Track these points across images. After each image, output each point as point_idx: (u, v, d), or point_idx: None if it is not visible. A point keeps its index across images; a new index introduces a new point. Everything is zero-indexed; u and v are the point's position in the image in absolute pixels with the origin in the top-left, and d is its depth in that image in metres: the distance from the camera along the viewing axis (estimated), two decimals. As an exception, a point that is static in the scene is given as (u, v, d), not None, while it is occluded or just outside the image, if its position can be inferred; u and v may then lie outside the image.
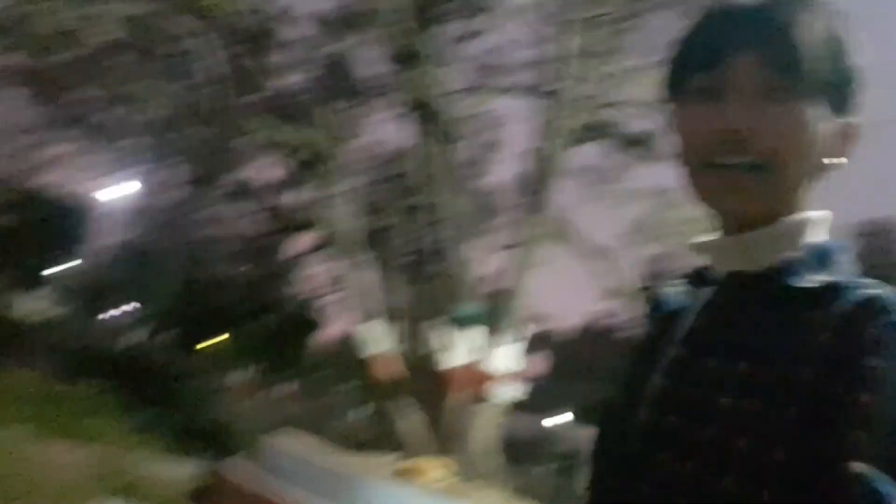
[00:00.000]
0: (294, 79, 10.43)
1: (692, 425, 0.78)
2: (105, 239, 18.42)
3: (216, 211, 22.19)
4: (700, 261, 0.94)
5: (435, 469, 6.58)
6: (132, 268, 17.18)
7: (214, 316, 17.29)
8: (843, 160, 0.88)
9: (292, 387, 17.29)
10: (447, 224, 9.95)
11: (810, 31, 0.81)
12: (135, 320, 17.94)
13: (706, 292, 0.89)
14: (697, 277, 0.93)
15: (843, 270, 0.83)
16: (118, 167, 19.53)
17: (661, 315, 0.95)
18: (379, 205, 11.35)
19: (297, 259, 22.95)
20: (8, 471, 5.58)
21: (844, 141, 0.86)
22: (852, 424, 0.69)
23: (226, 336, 16.92)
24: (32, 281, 16.46)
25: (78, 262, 17.62)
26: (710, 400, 0.77)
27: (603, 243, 10.93)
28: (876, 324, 0.73)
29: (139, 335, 16.86)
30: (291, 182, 15.63)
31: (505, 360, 9.01)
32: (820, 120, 0.82)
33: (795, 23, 0.81)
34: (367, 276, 10.19)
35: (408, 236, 14.86)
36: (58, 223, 16.00)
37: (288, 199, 16.80)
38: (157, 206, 20.49)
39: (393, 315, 11.05)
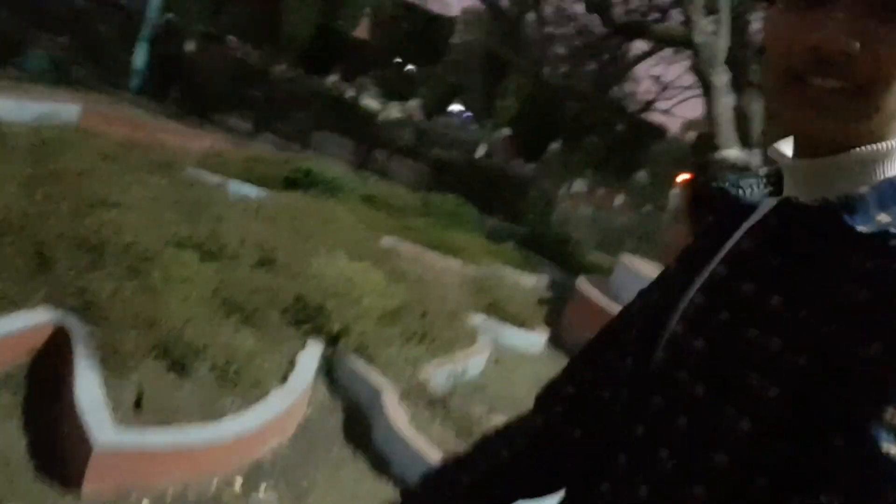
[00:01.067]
0: None
1: (714, 349, 0.75)
2: (459, 44, 19.24)
3: (559, 11, 21.98)
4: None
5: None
6: (481, 74, 17.80)
7: (558, 123, 17.47)
8: None
9: (632, 198, 17.20)
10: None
11: None
12: (478, 128, 18.83)
13: (766, 205, 0.82)
14: (774, 179, 0.85)
15: None
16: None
17: (722, 211, 0.88)
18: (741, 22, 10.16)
19: (637, 63, 22.15)
20: (406, 281, 6.16)
21: None
22: (882, 398, 0.61)
23: (568, 143, 17.08)
24: (396, 88, 17.88)
25: (434, 66, 18.64)
26: (738, 329, 0.73)
27: None
28: None
29: (484, 144, 17.68)
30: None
31: None
32: None
33: None
34: (725, 100, 9.37)
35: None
36: (421, 31, 17.16)
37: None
38: (503, 11, 20.74)
39: (746, 141, 10.22)
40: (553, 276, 10.58)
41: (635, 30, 12.82)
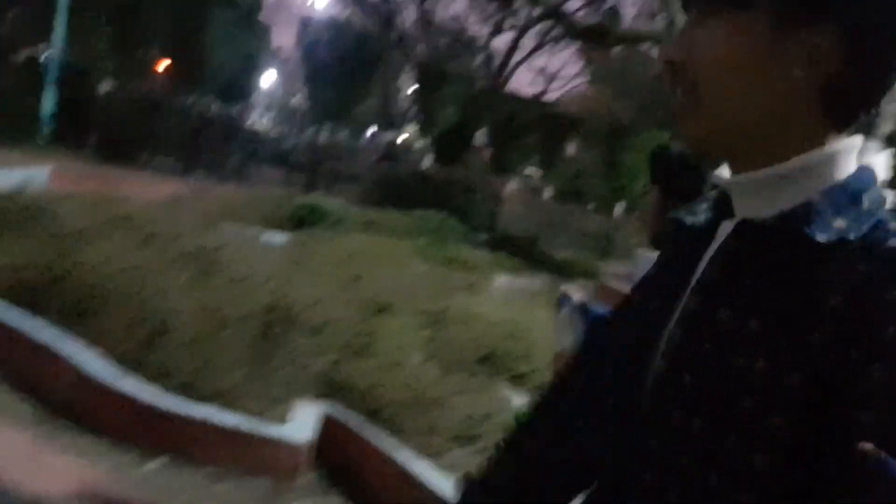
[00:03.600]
0: None
1: (703, 382, 0.72)
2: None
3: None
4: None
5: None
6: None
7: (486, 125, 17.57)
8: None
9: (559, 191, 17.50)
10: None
11: None
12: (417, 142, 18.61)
13: (724, 229, 0.79)
14: (722, 204, 0.81)
15: (870, 214, 0.70)
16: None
17: (682, 241, 0.86)
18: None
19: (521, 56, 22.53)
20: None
21: (811, 64, 0.70)
22: (862, 401, 0.61)
23: (502, 144, 17.19)
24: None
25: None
26: (723, 357, 0.70)
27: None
28: None
29: (424, 157, 17.50)
30: None
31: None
32: (761, 37, 0.70)
33: None
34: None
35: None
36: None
37: None
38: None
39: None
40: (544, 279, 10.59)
41: (599, 33, 13.02)
